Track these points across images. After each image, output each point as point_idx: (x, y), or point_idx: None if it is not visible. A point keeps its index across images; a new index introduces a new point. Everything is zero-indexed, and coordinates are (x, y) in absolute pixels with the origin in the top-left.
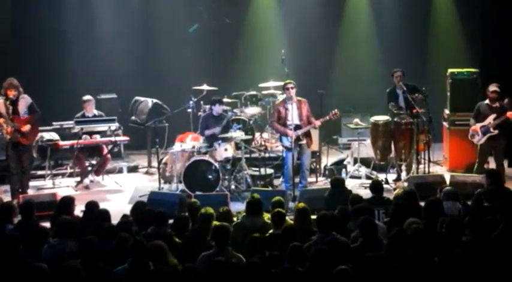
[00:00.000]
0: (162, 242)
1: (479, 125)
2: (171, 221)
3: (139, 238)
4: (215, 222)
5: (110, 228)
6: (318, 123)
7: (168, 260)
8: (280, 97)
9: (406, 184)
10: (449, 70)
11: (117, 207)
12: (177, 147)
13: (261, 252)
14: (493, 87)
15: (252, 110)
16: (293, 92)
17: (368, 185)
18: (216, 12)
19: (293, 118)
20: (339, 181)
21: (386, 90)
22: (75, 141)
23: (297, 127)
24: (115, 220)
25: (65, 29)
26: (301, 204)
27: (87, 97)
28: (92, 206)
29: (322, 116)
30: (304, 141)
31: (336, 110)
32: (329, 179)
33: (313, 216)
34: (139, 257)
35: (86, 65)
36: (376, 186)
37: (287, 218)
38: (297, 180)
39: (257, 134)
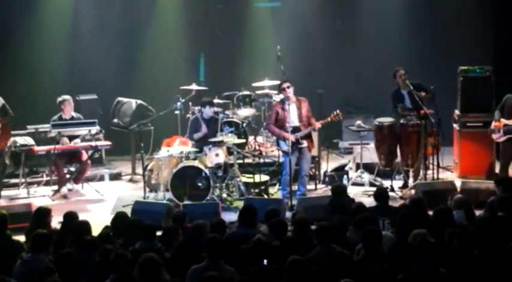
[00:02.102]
0: (154, 254)
1: (504, 121)
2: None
3: (122, 251)
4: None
5: (91, 240)
6: (318, 125)
7: (162, 275)
8: (277, 97)
9: (413, 192)
10: (460, 67)
11: (98, 218)
12: (163, 152)
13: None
14: None
15: (245, 112)
16: (290, 91)
17: (372, 193)
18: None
19: (292, 119)
20: (341, 189)
21: (391, 93)
22: (52, 147)
23: (296, 129)
24: (96, 232)
25: (40, 24)
26: (300, 214)
27: (64, 97)
28: (70, 217)
29: (323, 118)
30: (304, 144)
31: (337, 111)
32: (329, 187)
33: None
34: (123, 272)
35: (63, 63)
36: (381, 194)
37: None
38: (294, 188)
39: (251, 138)
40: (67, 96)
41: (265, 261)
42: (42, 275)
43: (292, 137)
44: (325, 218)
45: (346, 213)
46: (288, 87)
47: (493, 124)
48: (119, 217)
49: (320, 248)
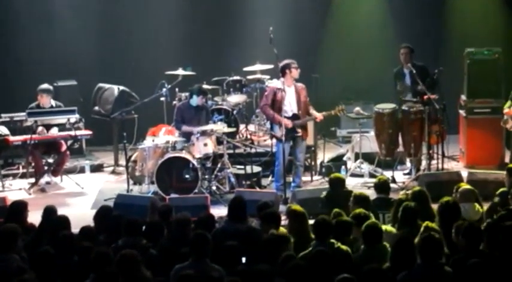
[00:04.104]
0: (134, 251)
1: None
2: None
3: (103, 248)
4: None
5: (70, 237)
6: (320, 116)
7: (141, 273)
8: (270, 82)
9: (415, 183)
10: (467, 49)
11: (78, 213)
12: (148, 142)
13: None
14: None
15: (236, 98)
16: (297, 72)
17: (371, 185)
18: None
19: (291, 104)
20: (339, 180)
21: (393, 71)
22: (29, 136)
23: (294, 116)
24: (76, 228)
25: (15, 6)
26: (297, 207)
27: (44, 87)
28: (50, 212)
29: (326, 110)
30: (299, 133)
31: (342, 106)
32: (326, 178)
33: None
34: (103, 271)
35: (40, 46)
36: (382, 186)
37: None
38: (289, 179)
39: (242, 126)
40: (46, 87)
41: (243, 259)
42: (12, 275)
43: (289, 123)
44: (322, 212)
45: (344, 207)
46: (297, 68)
47: (505, 113)
48: (104, 211)
49: (317, 243)
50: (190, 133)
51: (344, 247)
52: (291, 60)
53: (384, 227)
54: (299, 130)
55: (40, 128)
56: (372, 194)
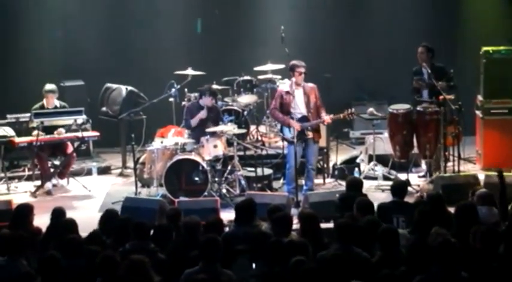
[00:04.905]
0: (143, 256)
1: None
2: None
3: (109, 252)
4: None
5: (77, 241)
6: (328, 119)
7: (150, 278)
8: (281, 82)
9: (431, 186)
10: (484, 48)
11: (85, 216)
12: (156, 143)
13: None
14: None
15: (247, 99)
16: (301, 78)
17: (385, 188)
18: None
19: (299, 106)
20: (356, 183)
21: (412, 70)
22: (34, 138)
23: (304, 119)
24: (83, 232)
25: (22, 4)
26: (308, 210)
27: (51, 87)
28: (58, 214)
29: (335, 113)
30: (310, 135)
31: (352, 110)
32: (339, 181)
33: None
34: (110, 276)
35: (46, 46)
36: (399, 188)
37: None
38: (301, 182)
39: (252, 127)
40: (53, 88)
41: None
42: (22, 281)
43: (297, 126)
44: (335, 215)
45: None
46: (301, 73)
47: None
48: (109, 215)
49: (338, 246)
50: (200, 134)
51: (364, 254)
52: (297, 62)
53: None
54: (309, 132)
55: (35, 132)
56: (386, 197)
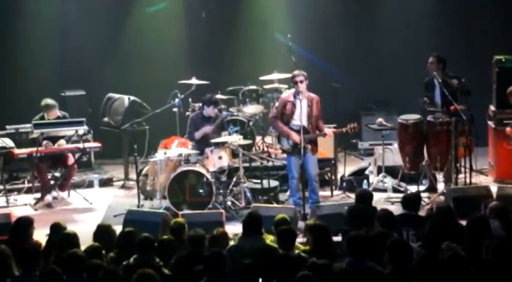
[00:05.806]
0: (151, 270)
1: None
2: None
3: (111, 266)
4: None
5: (78, 255)
6: (330, 133)
7: None
8: (287, 91)
9: (442, 198)
10: (495, 57)
11: (87, 229)
12: (160, 155)
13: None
14: None
15: (252, 109)
16: (303, 86)
17: (395, 200)
18: None
19: (301, 118)
20: (367, 196)
21: (424, 81)
22: (34, 149)
23: (303, 130)
24: (84, 245)
25: (21, 11)
26: (318, 221)
27: (48, 102)
28: (58, 228)
29: (337, 127)
30: (308, 148)
31: (355, 124)
32: (347, 193)
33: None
34: None
35: (47, 55)
36: (411, 201)
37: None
38: (307, 193)
39: (258, 138)
40: (50, 102)
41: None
42: None
43: (297, 138)
44: (344, 229)
45: (370, 224)
46: (301, 81)
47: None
48: (102, 231)
49: (351, 260)
50: (205, 145)
51: (379, 268)
52: (296, 72)
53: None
54: (308, 145)
55: (45, 142)
56: (395, 209)
